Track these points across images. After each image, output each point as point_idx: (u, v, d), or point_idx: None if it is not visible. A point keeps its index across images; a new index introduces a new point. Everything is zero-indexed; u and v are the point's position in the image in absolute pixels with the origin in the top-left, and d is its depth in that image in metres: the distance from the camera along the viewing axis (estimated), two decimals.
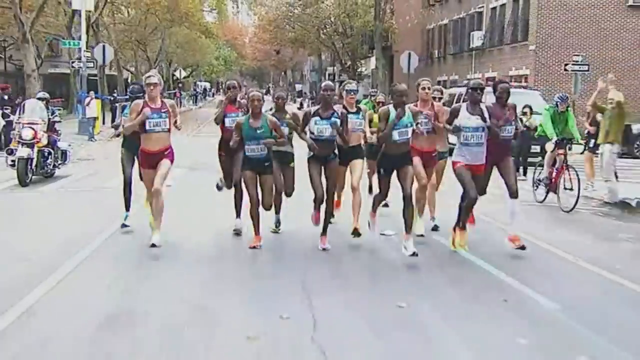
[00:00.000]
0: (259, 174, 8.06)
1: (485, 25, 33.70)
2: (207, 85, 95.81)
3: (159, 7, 40.12)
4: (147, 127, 7.72)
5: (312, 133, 7.93)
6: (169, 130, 7.89)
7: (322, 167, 8.07)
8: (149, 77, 8.01)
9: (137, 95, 8.55)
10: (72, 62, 28.28)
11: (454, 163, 7.84)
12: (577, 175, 11.41)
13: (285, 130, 8.33)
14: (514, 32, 30.53)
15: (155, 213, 7.87)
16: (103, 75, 35.62)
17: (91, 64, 27.24)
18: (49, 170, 13.66)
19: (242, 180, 8.17)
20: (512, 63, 30.33)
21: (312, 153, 8.03)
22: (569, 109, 12.32)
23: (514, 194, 7.91)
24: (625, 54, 27.77)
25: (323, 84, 8.36)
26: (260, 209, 8.15)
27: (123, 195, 8.90)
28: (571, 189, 11.47)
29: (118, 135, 9.51)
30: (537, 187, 12.43)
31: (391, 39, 43.20)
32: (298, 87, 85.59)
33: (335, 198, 8.89)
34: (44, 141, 13.08)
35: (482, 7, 34.03)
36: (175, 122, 8.04)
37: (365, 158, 8.99)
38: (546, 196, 12.03)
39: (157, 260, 7.38)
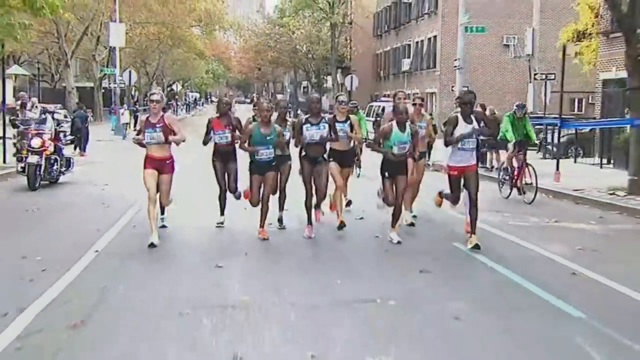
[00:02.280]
0: (264, 174, 8.85)
1: (412, 54, 45.02)
2: (197, 95, 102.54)
3: (162, 35, 50.76)
4: (145, 140, 8.40)
5: (304, 137, 8.73)
6: (165, 142, 8.40)
7: (313, 168, 8.88)
8: (152, 94, 8.57)
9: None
10: (110, 84, 39.02)
11: (449, 167, 8.70)
12: (535, 172, 12.67)
13: (287, 135, 9.30)
14: (428, 60, 41.83)
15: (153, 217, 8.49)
16: (116, 91, 45.89)
17: (123, 85, 38.02)
18: (55, 176, 14.32)
19: (250, 183, 9.04)
20: (427, 84, 41.50)
21: (305, 153, 8.88)
22: (526, 115, 13.39)
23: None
24: (500, 78, 39.07)
25: (311, 97, 9.33)
26: (254, 208, 9.05)
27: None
28: (531, 184, 12.67)
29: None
30: (502, 185, 13.45)
31: (348, 62, 54.50)
32: (279, 97, 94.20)
33: (331, 200, 9.92)
34: (51, 149, 13.88)
35: (410, 40, 45.38)
36: (172, 134, 8.37)
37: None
38: (510, 192, 13.07)
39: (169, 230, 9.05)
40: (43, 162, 13.57)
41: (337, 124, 9.13)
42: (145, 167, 8.50)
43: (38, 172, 13.47)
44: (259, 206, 8.95)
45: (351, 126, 9.55)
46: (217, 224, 9.57)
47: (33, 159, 13.34)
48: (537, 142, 13.52)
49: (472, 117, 8.50)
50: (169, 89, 79.67)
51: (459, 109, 8.80)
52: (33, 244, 8.31)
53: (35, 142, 13.50)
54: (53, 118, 14.56)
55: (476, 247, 8.27)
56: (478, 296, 6.54)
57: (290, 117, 9.72)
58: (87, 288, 6.49)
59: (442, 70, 39.14)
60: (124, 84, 38.02)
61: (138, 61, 59.52)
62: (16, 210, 11.37)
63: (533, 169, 12.79)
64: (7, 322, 5.30)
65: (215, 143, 9.50)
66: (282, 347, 4.99)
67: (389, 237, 8.71)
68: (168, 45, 54.57)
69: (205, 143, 9.55)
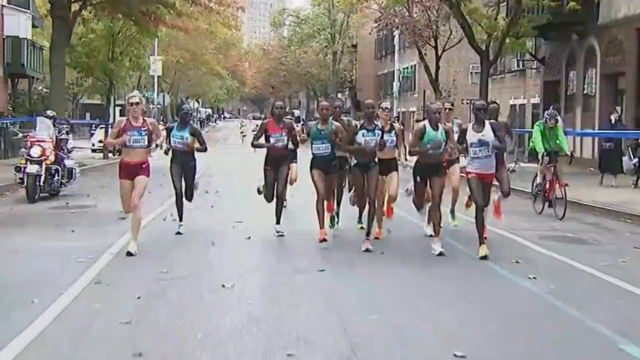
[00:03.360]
0: (326, 173, 9.17)
1: (400, 78, 53.35)
2: (210, 111, 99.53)
3: (184, 59, 57.65)
4: (128, 143, 8.19)
5: (359, 143, 8.71)
6: (147, 146, 8.27)
7: (365, 174, 8.86)
8: (131, 96, 8.35)
9: (188, 112, 9.81)
10: (148, 105, 47.38)
11: (467, 172, 8.55)
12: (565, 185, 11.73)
13: (304, 136, 9.57)
14: (410, 84, 50.18)
15: (134, 225, 8.32)
16: (154, 111, 53.74)
17: (159, 105, 46.34)
18: (56, 188, 13.55)
19: (311, 178, 9.21)
20: (410, 103, 49.69)
21: (356, 161, 8.93)
22: (558, 124, 12.48)
23: (506, 194, 9.35)
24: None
25: (366, 102, 9.22)
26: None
27: (176, 205, 9.89)
28: (561, 198, 11.81)
29: (166, 153, 9.81)
30: (535, 199, 12.79)
31: (349, 83, 62.96)
32: (296, 112, 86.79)
33: (385, 206, 9.70)
34: (52, 158, 13.11)
35: (398, 66, 53.65)
36: (155, 139, 8.37)
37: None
38: (543, 207, 12.35)
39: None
40: (43, 173, 12.98)
41: (384, 134, 8.91)
42: (120, 177, 8.42)
43: (38, 183, 12.90)
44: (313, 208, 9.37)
45: (396, 135, 9.17)
46: (277, 233, 9.73)
47: (32, 168, 12.77)
48: (568, 153, 12.55)
49: (488, 124, 8.36)
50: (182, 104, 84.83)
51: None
52: (115, 207, 10.24)
53: (35, 151, 12.95)
54: (54, 125, 13.90)
55: (484, 257, 8.18)
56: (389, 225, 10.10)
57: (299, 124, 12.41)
58: (163, 222, 10.64)
59: (419, 93, 47.28)
60: (160, 104, 46.43)
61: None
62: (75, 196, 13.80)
63: (564, 183, 12.02)
64: (125, 230, 9.01)
65: (269, 150, 9.68)
66: (271, 231, 9.62)
67: (432, 249, 8.49)
68: (190, 67, 60.07)
69: (254, 145, 9.92)
